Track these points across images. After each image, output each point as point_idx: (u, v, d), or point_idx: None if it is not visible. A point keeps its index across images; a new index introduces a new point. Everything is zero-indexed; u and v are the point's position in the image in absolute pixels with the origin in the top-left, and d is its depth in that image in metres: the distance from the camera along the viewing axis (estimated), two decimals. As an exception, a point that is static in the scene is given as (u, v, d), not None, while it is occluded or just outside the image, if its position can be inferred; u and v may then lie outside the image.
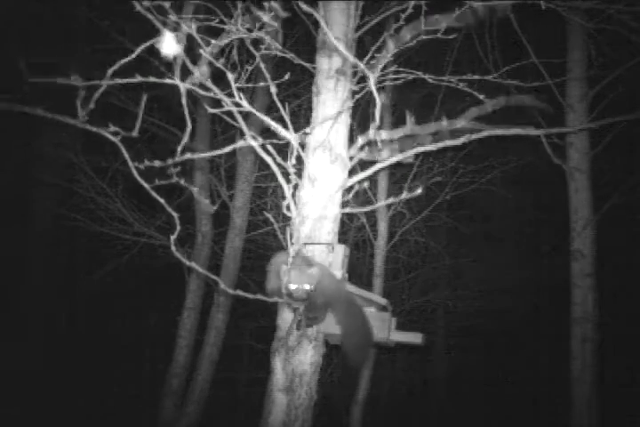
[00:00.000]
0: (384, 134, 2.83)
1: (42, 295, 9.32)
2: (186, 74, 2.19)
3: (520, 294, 9.24)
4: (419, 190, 2.51)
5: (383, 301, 2.91)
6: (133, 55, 2.09)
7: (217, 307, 6.79)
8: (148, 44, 2.09)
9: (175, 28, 2.09)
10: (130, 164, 2.13)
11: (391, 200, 2.68)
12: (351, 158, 2.88)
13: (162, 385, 6.73)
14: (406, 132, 2.82)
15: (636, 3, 3.27)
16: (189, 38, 2.17)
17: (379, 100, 2.44)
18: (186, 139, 2.18)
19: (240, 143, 2.46)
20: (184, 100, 2.14)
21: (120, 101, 6.24)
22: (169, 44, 2.04)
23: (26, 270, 9.22)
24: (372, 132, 2.75)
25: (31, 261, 9.31)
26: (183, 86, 2.13)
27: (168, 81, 2.19)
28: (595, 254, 5.26)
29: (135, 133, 2.11)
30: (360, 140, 2.85)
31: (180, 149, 2.19)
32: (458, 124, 2.77)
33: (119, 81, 2.15)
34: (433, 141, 2.79)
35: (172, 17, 2.06)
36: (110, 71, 2.11)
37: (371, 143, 2.88)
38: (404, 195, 2.52)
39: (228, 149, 2.51)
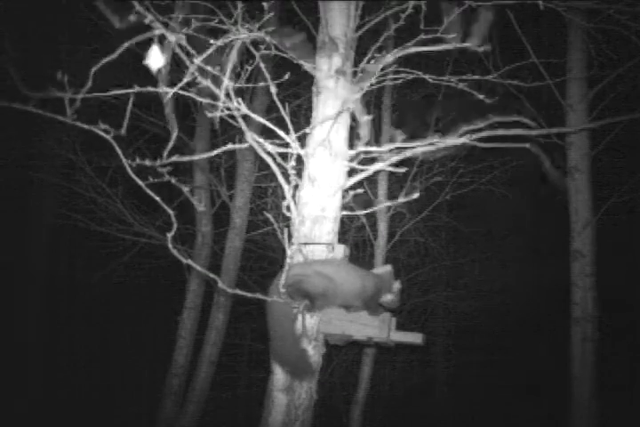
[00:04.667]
0: (373, 150, 2.85)
1: (41, 295, 9.32)
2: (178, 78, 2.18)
3: (520, 294, 9.24)
4: (416, 194, 2.53)
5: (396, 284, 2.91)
6: (120, 52, 2.08)
7: (217, 307, 6.78)
8: (130, 42, 2.07)
9: (163, 38, 2.09)
10: (124, 161, 2.13)
11: (389, 203, 2.70)
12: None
13: (162, 385, 6.72)
14: (395, 148, 2.83)
15: (635, 3, 3.26)
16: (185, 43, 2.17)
17: (363, 117, 2.46)
18: (173, 140, 2.17)
19: (229, 146, 2.44)
20: (168, 110, 2.15)
21: (117, 100, 6.22)
22: (155, 57, 2.05)
23: (26, 270, 9.22)
24: (361, 148, 2.77)
25: (31, 261, 9.31)
26: (169, 94, 2.13)
27: (162, 89, 2.18)
28: (595, 254, 5.26)
29: (124, 132, 2.10)
30: (350, 153, 2.86)
31: (167, 149, 2.18)
32: (449, 140, 2.78)
33: (116, 92, 2.15)
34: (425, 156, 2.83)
35: (164, 21, 2.06)
36: (94, 69, 2.10)
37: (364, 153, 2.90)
38: (401, 198, 2.53)
39: (216, 151, 2.51)
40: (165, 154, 2.18)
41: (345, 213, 2.90)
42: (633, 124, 5.07)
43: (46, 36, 6.85)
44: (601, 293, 5.27)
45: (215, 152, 2.50)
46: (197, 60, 2.16)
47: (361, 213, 3.07)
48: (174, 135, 2.14)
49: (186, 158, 2.37)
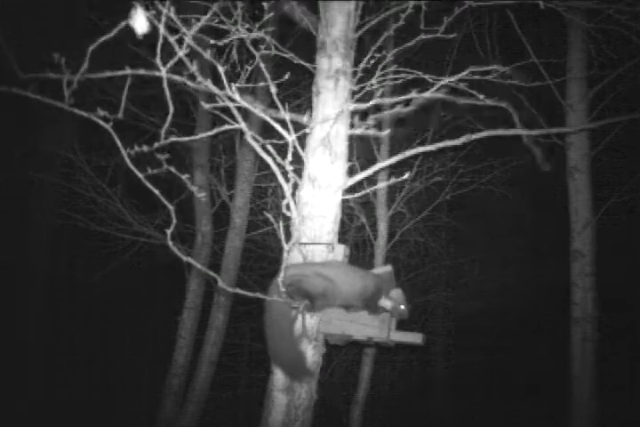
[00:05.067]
0: (352, 106, 2.86)
1: (42, 295, 9.32)
2: (170, 58, 2.15)
3: (520, 294, 9.23)
4: (405, 175, 2.56)
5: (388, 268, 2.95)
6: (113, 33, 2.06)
7: (217, 307, 6.78)
8: (125, 22, 2.04)
9: (149, 8, 2.05)
10: (122, 151, 2.10)
11: (388, 182, 2.72)
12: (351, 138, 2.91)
13: (162, 385, 6.72)
14: (375, 103, 2.84)
15: (635, 3, 3.26)
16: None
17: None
18: (168, 122, 2.15)
19: (225, 127, 2.44)
20: (165, 83, 2.11)
21: (113, 99, 6.21)
22: (140, 21, 2.00)
23: (26, 270, 9.21)
24: (344, 105, 2.78)
25: (31, 261, 9.31)
26: (164, 70, 2.10)
27: (157, 73, 2.15)
28: (595, 254, 5.26)
29: (121, 115, 2.08)
30: (333, 114, 2.86)
31: (163, 132, 2.15)
32: (428, 93, 2.80)
33: (109, 74, 2.13)
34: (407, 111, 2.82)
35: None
36: (90, 49, 2.09)
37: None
38: (391, 180, 2.57)
39: (213, 132, 2.50)
40: (163, 135, 2.13)
41: (348, 196, 2.90)
42: (633, 124, 5.07)
43: (42, 33, 6.83)
44: (601, 293, 5.27)
45: (215, 131, 2.49)
46: (190, 33, 2.12)
47: (363, 193, 3.07)
48: (171, 111, 2.10)
49: (185, 139, 2.34)
